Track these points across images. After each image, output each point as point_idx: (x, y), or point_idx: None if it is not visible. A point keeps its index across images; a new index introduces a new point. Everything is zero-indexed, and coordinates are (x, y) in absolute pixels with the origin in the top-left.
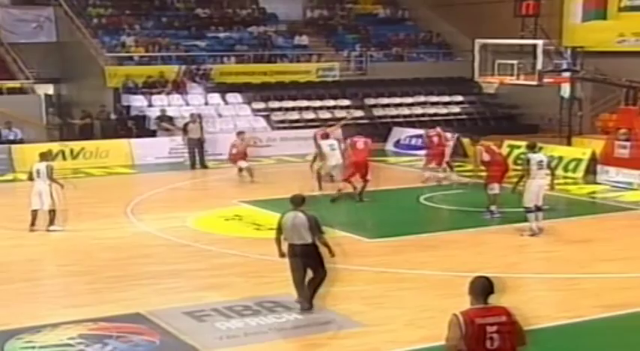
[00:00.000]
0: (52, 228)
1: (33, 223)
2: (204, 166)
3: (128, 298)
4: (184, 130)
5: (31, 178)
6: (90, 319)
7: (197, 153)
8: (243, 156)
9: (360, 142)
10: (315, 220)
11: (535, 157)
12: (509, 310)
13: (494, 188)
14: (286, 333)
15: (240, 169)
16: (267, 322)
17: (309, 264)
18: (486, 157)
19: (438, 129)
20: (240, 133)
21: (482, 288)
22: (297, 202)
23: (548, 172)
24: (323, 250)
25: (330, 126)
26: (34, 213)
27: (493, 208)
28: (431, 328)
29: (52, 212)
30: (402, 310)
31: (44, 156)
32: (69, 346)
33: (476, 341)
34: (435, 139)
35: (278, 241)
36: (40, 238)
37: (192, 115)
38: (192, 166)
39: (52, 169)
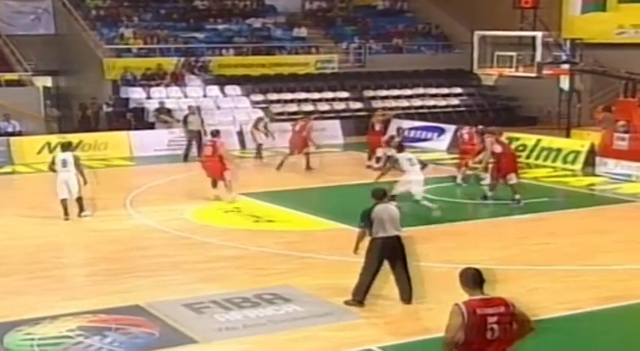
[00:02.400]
0: (83, 214)
1: (66, 213)
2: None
3: (127, 290)
4: (184, 122)
5: (52, 169)
6: (89, 311)
7: (196, 145)
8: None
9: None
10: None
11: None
12: (507, 301)
13: (513, 178)
14: (285, 325)
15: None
16: (266, 314)
17: (399, 256)
18: (498, 148)
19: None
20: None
21: (473, 279)
22: (379, 195)
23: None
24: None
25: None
26: (64, 202)
27: (518, 196)
28: (429, 320)
29: (80, 199)
30: (400, 302)
31: (66, 146)
32: (68, 338)
33: (477, 332)
34: (466, 138)
35: (361, 236)
36: (39, 230)
37: (190, 107)
38: (185, 159)
39: (78, 158)
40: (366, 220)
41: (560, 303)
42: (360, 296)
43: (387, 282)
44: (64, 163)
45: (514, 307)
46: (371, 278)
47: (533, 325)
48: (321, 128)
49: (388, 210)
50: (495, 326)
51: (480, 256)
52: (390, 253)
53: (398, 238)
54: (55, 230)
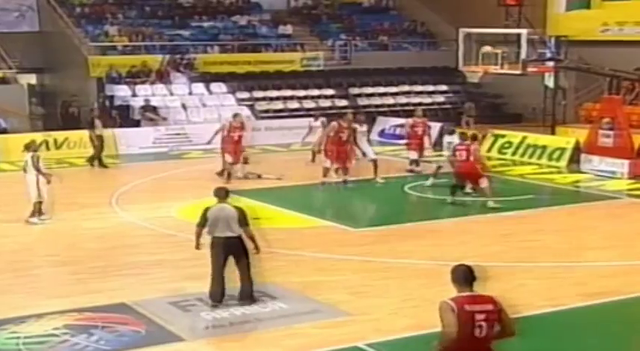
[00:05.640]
0: (31, 220)
1: (39, 214)
2: None
3: (113, 288)
4: (91, 125)
5: (25, 170)
6: (75, 310)
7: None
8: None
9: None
10: (243, 212)
11: None
12: (495, 299)
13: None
14: (271, 322)
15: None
16: (253, 312)
17: (233, 253)
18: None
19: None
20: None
21: (465, 276)
22: (222, 195)
23: None
24: (248, 243)
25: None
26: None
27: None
28: (416, 317)
29: (37, 204)
30: (387, 299)
31: (28, 146)
32: (54, 337)
33: (464, 329)
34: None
35: (199, 234)
36: (24, 228)
37: (92, 109)
38: (92, 162)
39: (37, 159)
40: (202, 219)
41: (545, 300)
42: (215, 293)
43: (372, 280)
44: (26, 164)
45: (501, 306)
46: (218, 275)
47: (514, 329)
48: (306, 126)
49: (225, 210)
50: (483, 324)
51: (465, 253)
52: (228, 252)
53: (237, 238)
54: (41, 228)
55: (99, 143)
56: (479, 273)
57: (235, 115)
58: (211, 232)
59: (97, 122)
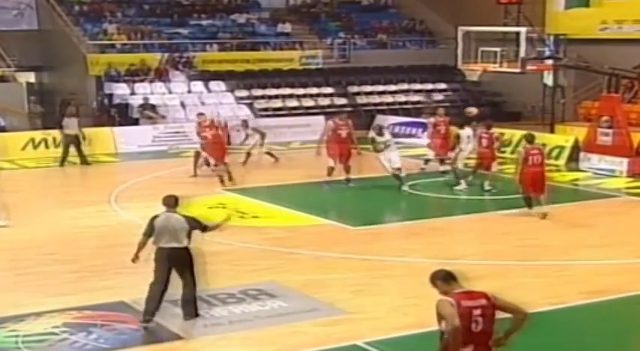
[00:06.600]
0: None
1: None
2: None
3: (112, 286)
4: (60, 126)
5: None
6: (74, 308)
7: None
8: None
9: None
10: (194, 219)
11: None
12: (487, 294)
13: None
14: (270, 320)
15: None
16: (251, 310)
17: (178, 265)
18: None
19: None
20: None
21: (447, 274)
22: (171, 203)
23: None
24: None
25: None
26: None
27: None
28: (415, 316)
29: None
30: (386, 298)
31: None
32: (53, 335)
33: (462, 323)
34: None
35: (143, 244)
36: (23, 226)
37: (69, 110)
38: (62, 163)
39: None
40: (149, 228)
41: (545, 298)
42: (150, 307)
43: (371, 278)
44: None
45: (496, 300)
46: (161, 289)
47: (522, 308)
48: (305, 124)
49: (171, 220)
50: (480, 319)
51: (464, 251)
52: (173, 264)
53: (183, 250)
54: (40, 227)
55: (66, 143)
56: (458, 274)
57: (200, 115)
58: (157, 242)
59: (69, 121)
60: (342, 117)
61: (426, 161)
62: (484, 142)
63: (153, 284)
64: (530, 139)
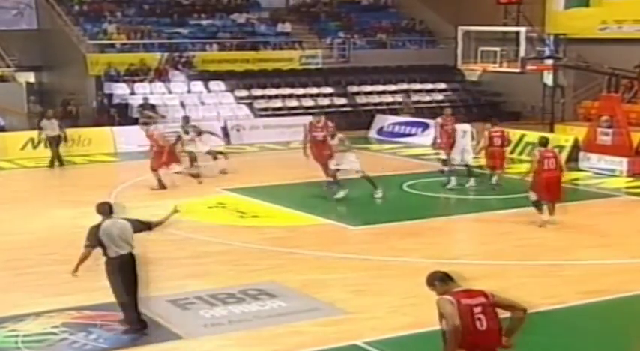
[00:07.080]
0: None
1: None
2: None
3: None
4: (39, 128)
5: None
6: (74, 308)
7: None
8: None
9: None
10: (135, 219)
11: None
12: (485, 292)
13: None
14: (270, 320)
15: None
16: (251, 310)
17: (125, 271)
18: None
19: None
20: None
21: (444, 275)
22: (106, 211)
23: None
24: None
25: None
26: None
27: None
28: (414, 315)
29: None
30: (385, 297)
31: None
32: (53, 335)
33: (466, 322)
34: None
35: (87, 256)
36: (22, 226)
37: (46, 112)
38: (52, 165)
39: None
40: (94, 239)
41: (544, 297)
42: (134, 321)
43: (370, 278)
44: None
45: (494, 297)
46: (132, 298)
47: (521, 304)
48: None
49: (117, 224)
50: (482, 316)
51: (463, 251)
52: (128, 269)
53: (129, 254)
54: (39, 226)
55: (50, 143)
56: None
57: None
58: (108, 252)
59: (47, 123)
60: (318, 118)
61: (444, 162)
62: (496, 141)
63: (122, 301)
64: (544, 142)
